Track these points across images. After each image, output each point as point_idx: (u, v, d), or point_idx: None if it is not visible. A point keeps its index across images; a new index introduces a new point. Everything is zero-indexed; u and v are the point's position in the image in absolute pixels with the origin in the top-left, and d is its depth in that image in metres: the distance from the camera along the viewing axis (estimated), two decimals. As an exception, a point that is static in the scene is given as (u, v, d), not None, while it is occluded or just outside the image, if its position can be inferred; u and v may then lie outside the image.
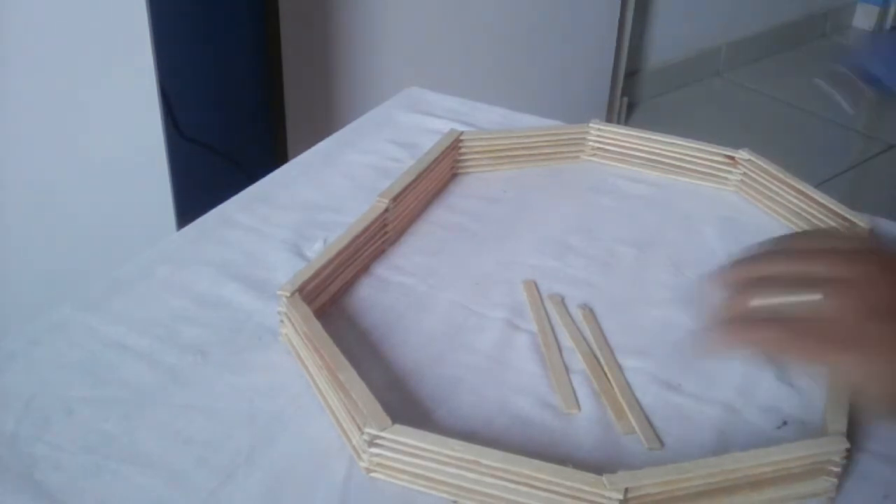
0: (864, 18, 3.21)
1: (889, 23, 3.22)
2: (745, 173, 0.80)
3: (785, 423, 0.57)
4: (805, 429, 0.56)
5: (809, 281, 0.49)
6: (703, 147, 0.82)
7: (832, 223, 0.74)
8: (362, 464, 0.52)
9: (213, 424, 0.54)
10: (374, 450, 0.51)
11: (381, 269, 0.69)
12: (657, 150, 0.83)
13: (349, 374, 0.54)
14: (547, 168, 0.84)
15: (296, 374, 0.59)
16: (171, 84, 1.10)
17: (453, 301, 0.66)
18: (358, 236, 0.67)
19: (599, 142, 0.84)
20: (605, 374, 0.60)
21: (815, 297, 0.48)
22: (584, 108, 2.21)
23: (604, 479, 0.48)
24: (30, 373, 0.57)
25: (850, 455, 0.53)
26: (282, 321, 0.61)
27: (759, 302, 0.50)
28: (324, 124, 1.69)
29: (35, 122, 1.04)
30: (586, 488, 0.48)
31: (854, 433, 0.55)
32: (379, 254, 0.71)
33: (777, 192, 0.78)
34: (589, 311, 0.66)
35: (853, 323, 0.48)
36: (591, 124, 0.84)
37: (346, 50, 1.72)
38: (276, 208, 0.75)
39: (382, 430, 0.50)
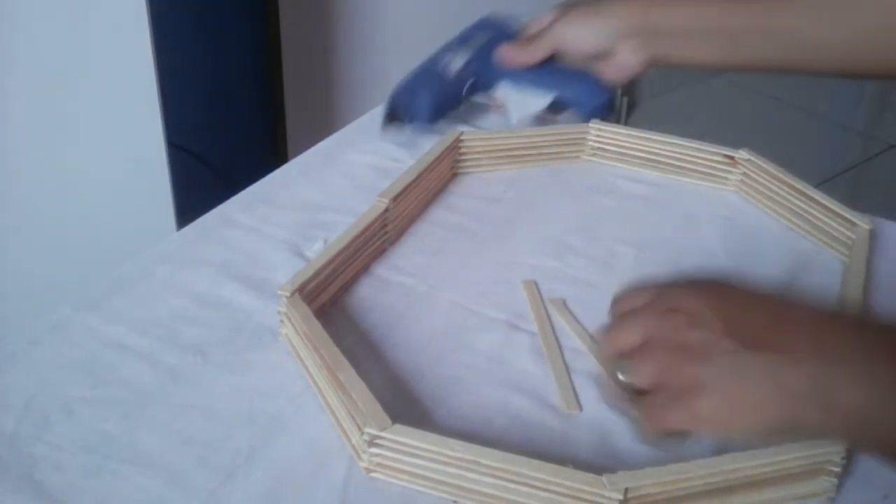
0: (864, 18, 3.20)
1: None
2: (744, 173, 0.80)
3: (785, 423, 0.57)
4: (805, 429, 0.56)
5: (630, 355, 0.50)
6: (702, 147, 0.82)
7: (832, 223, 0.74)
8: (362, 464, 0.52)
9: (213, 424, 0.54)
10: (374, 450, 0.51)
11: (382, 269, 0.69)
12: (657, 150, 0.83)
13: (349, 374, 0.54)
14: (547, 168, 0.84)
15: (296, 374, 0.59)
16: (169, 84, 1.10)
17: (453, 301, 0.66)
18: (358, 236, 0.67)
19: (599, 142, 0.84)
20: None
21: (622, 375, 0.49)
22: (584, 108, 2.20)
23: (604, 479, 0.48)
24: (30, 373, 0.57)
25: (849, 455, 0.53)
26: (282, 321, 0.61)
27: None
28: (324, 124, 1.69)
29: (35, 122, 1.04)
30: (586, 488, 0.48)
31: (854, 433, 0.55)
32: (379, 254, 0.71)
33: (777, 192, 0.78)
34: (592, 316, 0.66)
35: (674, 376, 0.48)
36: (591, 124, 0.84)
37: (346, 50, 1.73)
38: (276, 208, 0.75)
39: (382, 430, 0.50)
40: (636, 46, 0.80)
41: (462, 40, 0.86)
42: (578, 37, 0.81)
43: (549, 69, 0.83)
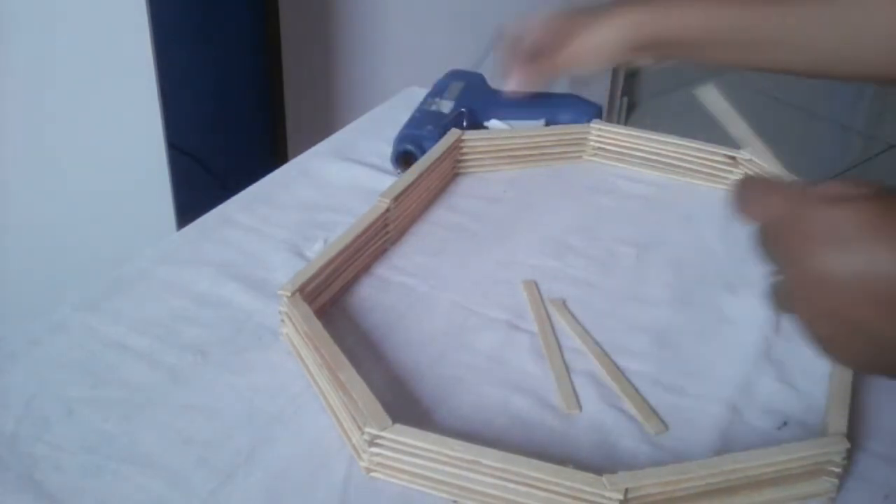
0: (864, 19, 3.20)
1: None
2: (746, 173, 0.80)
3: (785, 423, 0.57)
4: (805, 429, 0.56)
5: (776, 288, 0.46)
6: (704, 147, 0.82)
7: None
8: (362, 463, 0.52)
9: (213, 424, 0.54)
10: (374, 449, 0.51)
11: (382, 269, 0.69)
12: (658, 150, 0.83)
13: (350, 374, 0.54)
14: (548, 168, 0.84)
15: (296, 374, 0.58)
16: (169, 85, 1.10)
17: (454, 301, 0.66)
18: (359, 236, 0.67)
19: (601, 142, 0.84)
20: (606, 370, 0.60)
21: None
22: (584, 108, 2.20)
23: (604, 479, 0.48)
24: (30, 373, 0.57)
25: (850, 455, 0.53)
26: (282, 321, 0.61)
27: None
28: (324, 124, 1.69)
29: (35, 122, 1.04)
30: (586, 488, 0.48)
31: (854, 433, 0.55)
32: (380, 254, 0.71)
33: (777, 193, 0.78)
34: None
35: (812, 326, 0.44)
36: (592, 124, 0.84)
37: (346, 50, 1.73)
38: (276, 208, 0.75)
39: (382, 429, 0.50)
40: (651, 55, 0.79)
41: (438, 92, 0.88)
42: (594, 52, 0.79)
43: (530, 97, 0.85)
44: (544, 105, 0.87)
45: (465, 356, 0.61)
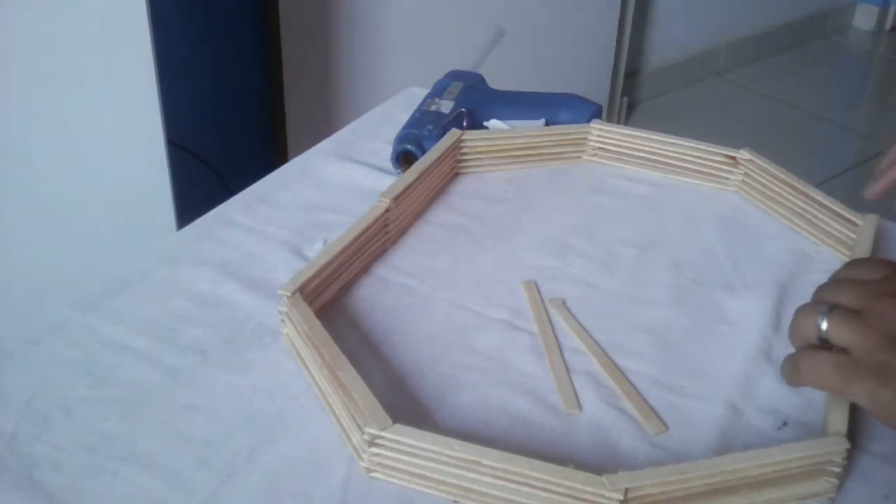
0: (864, 18, 3.21)
1: (889, 23, 3.22)
2: (746, 173, 0.80)
3: (785, 423, 0.57)
4: (805, 429, 0.56)
5: (840, 310, 0.52)
6: (704, 147, 0.82)
7: (833, 223, 0.74)
8: (362, 464, 0.52)
9: (213, 424, 0.54)
10: (374, 449, 0.51)
11: (382, 270, 0.69)
12: (658, 150, 0.83)
13: (350, 374, 0.54)
14: (548, 168, 0.84)
15: (296, 374, 0.58)
16: (169, 84, 1.10)
17: (454, 301, 0.66)
18: (359, 236, 0.67)
19: (601, 142, 0.84)
20: (606, 370, 0.60)
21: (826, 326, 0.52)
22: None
23: (604, 479, 0.48)
24: (30, 373, 0.57)
25: (850, 455, 0.53)
26: (282, 321, 0.61)
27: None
28: (324, 124, 1.69)
29: (34, 122, 1.04)
30: (586, 488, 0.48)
31: (854, 433, 0.55)
32: (380, 254, 0.71)
33: (778, 193, 0.78)
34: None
35: (870, 354, 0.50)
36: (592, 124, 0.84)
37: (346, 50, 1.73)
38: (276, 208, 0.75)
39: (383, 429, 0.50)
40: None
41: (438, 92, 0.88)
42: None
43: (529, 97, 0.86)
44: (544, 105, 0.87)
45: (465, 356, 0.61)
